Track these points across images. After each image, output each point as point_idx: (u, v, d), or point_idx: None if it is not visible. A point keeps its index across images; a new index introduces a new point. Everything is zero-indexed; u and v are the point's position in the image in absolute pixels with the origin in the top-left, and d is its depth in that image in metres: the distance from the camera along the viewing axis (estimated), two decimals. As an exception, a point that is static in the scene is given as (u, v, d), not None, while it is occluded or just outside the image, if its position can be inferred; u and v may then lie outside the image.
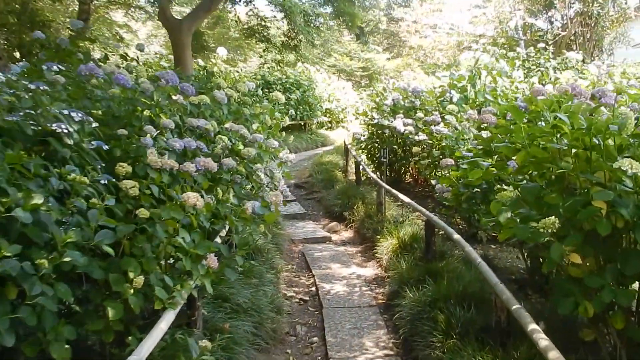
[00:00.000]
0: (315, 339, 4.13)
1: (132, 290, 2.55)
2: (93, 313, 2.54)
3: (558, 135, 2.70)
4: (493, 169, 3.05)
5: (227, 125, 4.55)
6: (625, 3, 16.67)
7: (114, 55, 6.17)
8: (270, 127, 5.80)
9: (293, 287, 5.33)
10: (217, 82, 5.43)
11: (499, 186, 3.98)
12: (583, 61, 13.79)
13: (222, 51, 12.63)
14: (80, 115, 3.09)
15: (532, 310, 3.67)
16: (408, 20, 29.56)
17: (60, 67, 3.90)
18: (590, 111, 2.70)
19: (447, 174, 5.63)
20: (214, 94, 4.87)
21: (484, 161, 3.17)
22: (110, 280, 2.54)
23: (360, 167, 8.37)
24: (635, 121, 2.47)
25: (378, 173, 8.92)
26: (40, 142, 2.95)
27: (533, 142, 2.99)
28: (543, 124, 3.70)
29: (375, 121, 8.61)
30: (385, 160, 6.81)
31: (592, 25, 15.71)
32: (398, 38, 32.05)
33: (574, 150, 2.60)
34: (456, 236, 4.02)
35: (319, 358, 3.82)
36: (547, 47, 13.97)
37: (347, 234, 7.27)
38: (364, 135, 9.31)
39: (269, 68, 15.07)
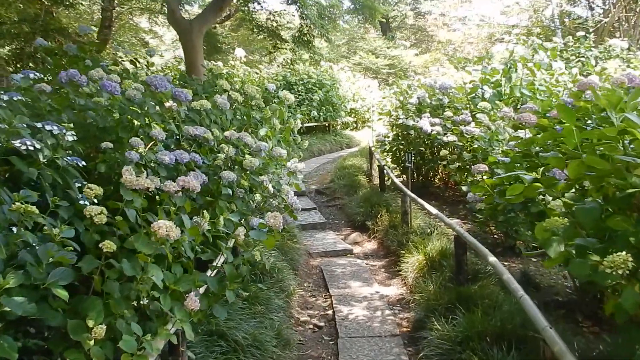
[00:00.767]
0: (328, 378, 3.59)
1: (92, 342, 2.10)
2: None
3: (626, 142, 2.07)
4: (538, 184, 2.43)
5: (227, 133, 4.07)
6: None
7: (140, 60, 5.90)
8: (281, 131, 5.31)
9: (308, 309, 4.80)
10: (220, 84, 4.96)
11: (542, 197, 3.36)
12: (629, 49, 12.70)
13: (240, 52, 12.24)
14: (56, 128, 2.69)
15: (588, 350, 3.02)
16: (435, 14, 28.56)
17: (37, 74, 3.53)
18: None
19: (480, 180, 4.99)
20: (215, 99, 4.40)
21: (525, 173, 2.55)
22: (69, 328, 2.10)
23: (385, 171, 7.76)
24: None
25: (404, 176, 8.29)
26: (5, 161, 2.56)
27: (588, 148, 2.36)
28: (594, 124, 3.03)
29: (400, 121, 7.98)
30: (410, 165, 6.19)
31: (638, 10, 14.46)
32: (426, 33, 31.05)
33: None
34: (492, 259, 3.39)
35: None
36: (587, 35, 12.91)
37: (370, 245, 6.69)
38: (388, 137, 8.69)
39: (288, 68, 14.60)
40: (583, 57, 11.92)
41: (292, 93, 14.50)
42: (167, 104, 3.99)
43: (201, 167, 3.96)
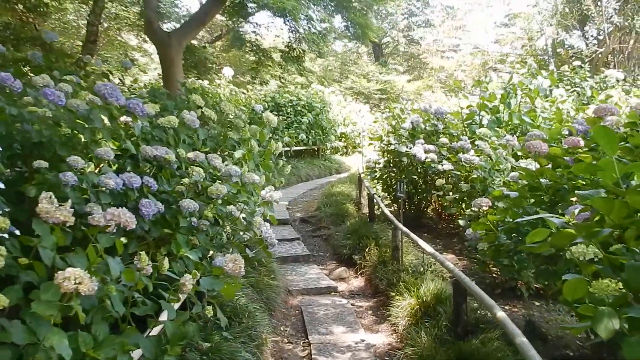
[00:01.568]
0: None
1: None
2: None
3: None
4: (571, 230, 1.86)
5: (190, 154, 3.50)
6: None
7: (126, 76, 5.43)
8: (261, 154, 4.76)
9: (282, 360, 4.15)
10: (193, 99, 4.41)
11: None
12: (624, 80, 12.49)
13: (228, 71, 11.78)
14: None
15: None
16: (429, 40, 28.60)
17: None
18: None
19: (482, 216, 4.45)
20: (182, 115, 3.84)
21: (552, 215, 1.99)
22: None
23: (374, 200, 7.20)
24: None
25: (395, 206, 7.72)
26: None
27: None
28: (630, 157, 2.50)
29: (392, 147, 7.47)
30: (402, 195, 5.63)
31: (632, 41, 14.35)
32: (419, 60, 31.04)
33: None
34: (500, 314, 2.81)
35: None
36: (582, 65, 12.70)
37: (357, 282, 6.06)
38: (378, 164, 8.16)
39: (278, 91, 14.13)
40: (578, 87, 11.66)
41: (280, 115, 14.06)
42: (121, 119, 3.42)
43: (159, 194, 3.38)
